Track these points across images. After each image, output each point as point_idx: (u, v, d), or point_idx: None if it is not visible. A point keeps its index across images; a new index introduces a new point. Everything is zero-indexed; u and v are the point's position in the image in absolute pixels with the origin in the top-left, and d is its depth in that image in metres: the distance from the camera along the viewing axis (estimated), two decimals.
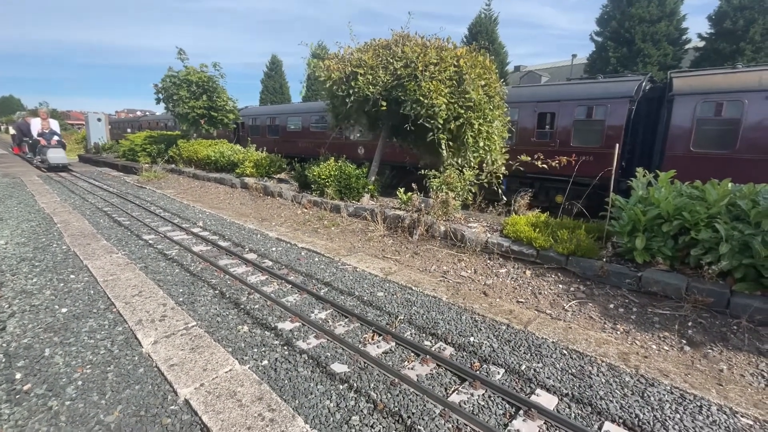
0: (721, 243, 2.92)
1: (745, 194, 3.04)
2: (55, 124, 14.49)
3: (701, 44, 16.31)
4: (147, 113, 32.54)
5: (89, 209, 5.94)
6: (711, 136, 6.79)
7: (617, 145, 4.57)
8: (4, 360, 2.11)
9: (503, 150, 6.20)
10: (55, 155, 13.48)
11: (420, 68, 5.24)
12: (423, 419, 1.83)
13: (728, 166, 6.13)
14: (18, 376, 1.99)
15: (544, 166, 5.85)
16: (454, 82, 5.34)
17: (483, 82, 5.49)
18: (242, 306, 2.91)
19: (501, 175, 6.10)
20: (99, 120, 23.06)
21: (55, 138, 14.17)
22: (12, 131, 19.26)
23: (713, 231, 3.02)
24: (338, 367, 2.20)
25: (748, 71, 6.94)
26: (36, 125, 14.02)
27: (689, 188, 3.55)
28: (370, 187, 6.53)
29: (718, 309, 2.92)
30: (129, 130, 23.17)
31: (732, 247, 2.88)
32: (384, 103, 5.55)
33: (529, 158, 5.95)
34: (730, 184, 3.25)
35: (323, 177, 6.53)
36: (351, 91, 5.68)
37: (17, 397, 1.84)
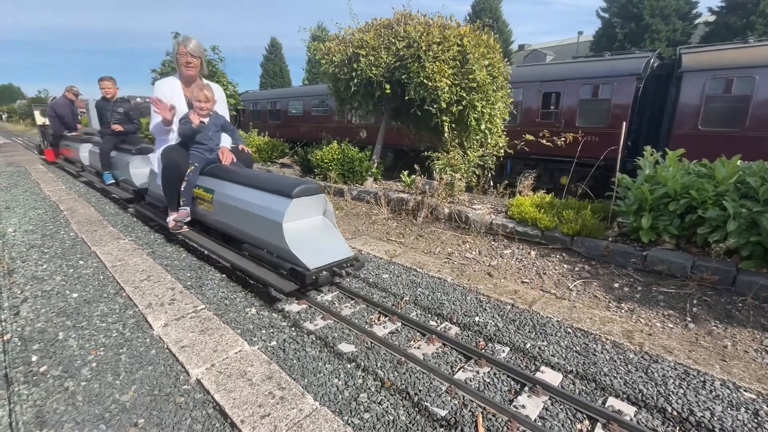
0: (729, 221, 2.90)
1: (755, 171, 3.00)
2: (219, 92, 3.57)
3: (712, 18, 15.85)
4: (147, 99, 32.28)
5: (94, 196, 5.97)
6: (720, 114, 6.68)
7: (624, 124, 4.50)
8: (20, 343, 2.16)
9: (504, 132, 6.13)
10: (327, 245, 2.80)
11: (423, 48, 5.14)
12: (430, 396, 1.86)
13: (737, 144, 6.05)
14: (34, 358, 2.04)
15: (549, 144, 5.78)
16: (457, 62, 5.25)
17: (487, 62, 5.39)
18: (249, 288, 2.95)
19: (500, 157, 6.06)
20: (87, 105, 22.88)
21: (226, 141, 3.70)
22: (41, 120, 9.81)
23: (721, 209, 3.00)
24: (345, 347, 2.24)
25: (760, 46, 6.75)
26: (172, 92, 3.52)
27: (697, 166, 3.51)
28: (373, 170, 6.50)
29: (723, 287, 2.92)
30: None
31: (740, 225, 2.86)
32: (388, 86, 5.48)
33: (533, 138, 5.88)
34: (739, 162, 3.20)
35: (326, 161, 6.50)
36: (354, 74, 5.59)
37: (34, 378, 1.89)
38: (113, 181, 5.58)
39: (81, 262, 3.29)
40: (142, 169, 4.87)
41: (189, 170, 3.37)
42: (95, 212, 4.82)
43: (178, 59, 3.46)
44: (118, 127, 5.63)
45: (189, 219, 3.52)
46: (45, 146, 9.41)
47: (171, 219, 3.55)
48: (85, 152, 7.04)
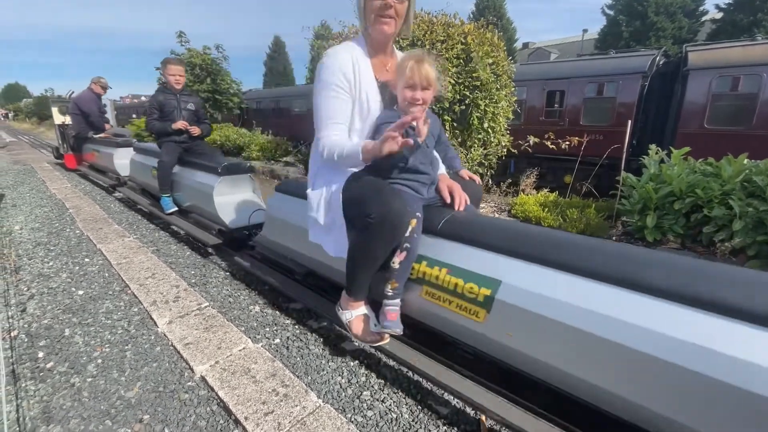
0: (735, 220, 2.88)
1: (761, 170, 2.97)
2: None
3: (718, 16, 15.71)
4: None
5: (99, 194, 6.01)
6: (726, 112, 6.62)
7: (629, 122, 4.47)
8: (26, 340, 2.19)
9: (507, 131, 6.11)
10: None
11: (427, 46, 5.13)
12: (433, 393, 1.86)
13: (744, 143, 5.99)
14: (41, 354, 2.06)
15: (553, 147, 5.76)
16: (461, 60, 5.23)
17: (491, 61, 5.37)
18: (253, 287, 2.96)
19: (502, 156, 6.04)
20: (105, 106, 22.94)
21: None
22: (60, 118, 8.03)
23: (727, 208, 2.98)
24: (348, 345, 2.24)
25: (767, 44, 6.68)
26: (355, 69, 1.73)
27: (703, 165, 3.49)
28: None
29: None
30: (134, 116, 23.17)
31: (746, 224, 2.84)
32: None
33: (538, 139, 5.85)
34: (746, 160, 3.18)
35: None
36: None
37: (41, 374, 1.91)
38: (175, 208, 4.07)
39: (86, 260, 3.31)
40: (231, 197, 3.47)
41: (409, 227, 1.66)
42: (100, 210, 4.85)
43: (366, 3, 1.71)
44: (196, 130, 4.08)
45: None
46: (65, 150, 7.88)
47: (356, 315, 1.90)
48: (123, 159, 5.63)
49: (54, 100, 7.82)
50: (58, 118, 7.91)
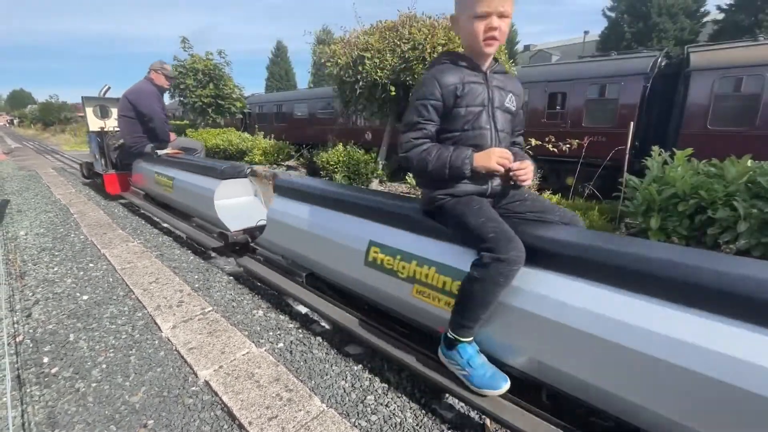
0: (739, 221, 2.86)
1: (766, 171, 2.96)
2: None
3: (720, 17, 15.69)
4: None
5: (103, 200, 6.04)
6: (729, 113, 6.60)
7: (631, 124, 4.47)
8: (32, 345, 2.20)
9: None
10: None
11: (428, 50, 5.15)
12: (437, 397, 1.86)
13: (747, 144, 5.97)
14: (46, 360, 2.07)
15: (554, 149, 5.75)
16: None
17: None
18: (256, 291, 2.97)
19: None
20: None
21: None
22: (98, 124, 5.30)
23: (731, 209, 2.96)
24: (352, 349, 2.24)
25: None
26: None
27: (707, 166, 3.48)
28: (378, 171, 6.52)
29: None
30: None
31: (751, 225, 2.82)
32: (393, 88, 5.49)
33: (539, 141, 5.84)
34: (750, 161, 3.16)
35: (332, 163, 6.54)
36: (359, 77, 5.62)
37: (46, 379, 1.92)
38: (507, 384, 1.45)
39: (91, 265, 3.33)
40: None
41: None
42: (105, 215, 4.88)
43: None
44: (526, 171, 1.48)
45: None
46: (104, 168, 5.55)
47: None
48: (230, 199, 3.33)
49: (88, 100, 5.45)
50: (94, 123, 5.52)
